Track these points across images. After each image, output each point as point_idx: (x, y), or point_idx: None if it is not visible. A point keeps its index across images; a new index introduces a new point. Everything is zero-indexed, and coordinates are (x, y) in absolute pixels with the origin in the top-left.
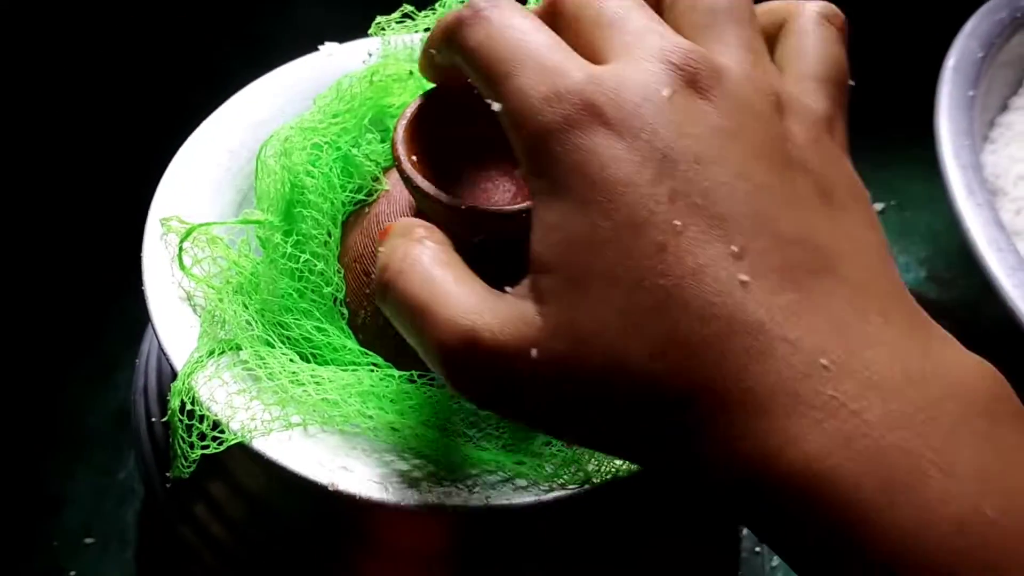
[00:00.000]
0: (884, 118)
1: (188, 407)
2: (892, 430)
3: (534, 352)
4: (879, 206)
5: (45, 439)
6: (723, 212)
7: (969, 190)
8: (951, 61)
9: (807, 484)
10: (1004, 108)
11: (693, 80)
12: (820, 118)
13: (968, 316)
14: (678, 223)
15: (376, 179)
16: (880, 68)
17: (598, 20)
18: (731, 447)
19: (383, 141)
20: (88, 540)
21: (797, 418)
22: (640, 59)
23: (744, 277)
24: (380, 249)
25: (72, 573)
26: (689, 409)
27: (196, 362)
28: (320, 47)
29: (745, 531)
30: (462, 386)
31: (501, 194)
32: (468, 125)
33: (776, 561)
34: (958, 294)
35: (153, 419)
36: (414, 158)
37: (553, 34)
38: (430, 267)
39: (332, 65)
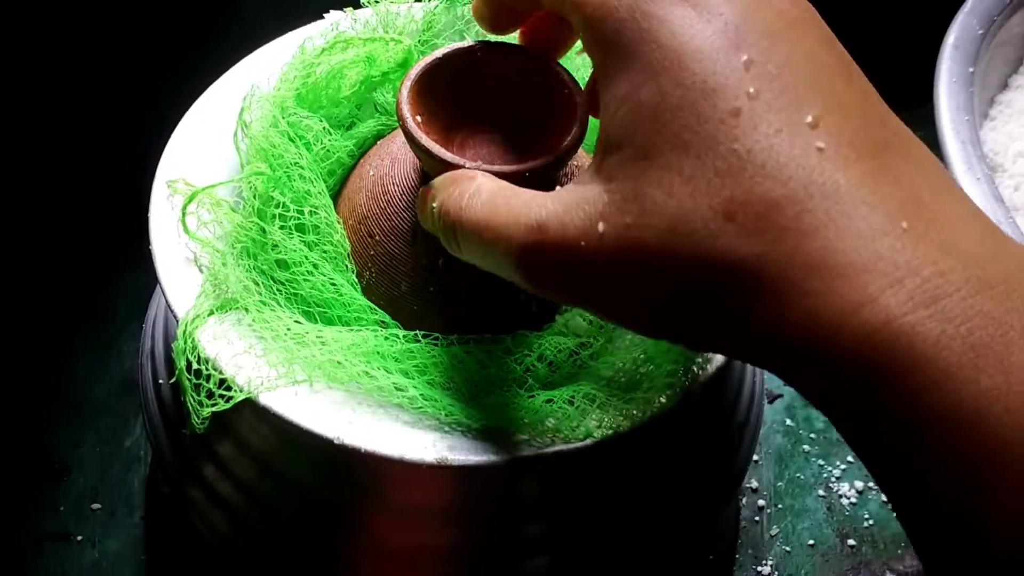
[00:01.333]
0: (883, 95)
1: (195, 366)
2: (975, 294)
3: (601, 227)
4: None
5: (53, 408)
6: (796, 83)
7: (968, 165)
8: (951, 38)
9: (887, 342)
10: (1004, 87)
11: None
12: None
13: None
14: (751, 89)
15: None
16: (879, 45)
17: None
18: (804, 309)
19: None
20: (95, 506)
21: (877, 276)
22: None
23: (820, 144)
24: (432, 205)
25: (79, 538)
26: (759, 272)
27: (193, 320)
28: (325, 15)
29: (744, 500)
30: (538, 281)
31: (507, 155)
32: (474, 86)
33: (776, 530)
34: None
35: (160, 381)
36: (419, 118)
37: None
38: (488, 193)
39: (337, 32)
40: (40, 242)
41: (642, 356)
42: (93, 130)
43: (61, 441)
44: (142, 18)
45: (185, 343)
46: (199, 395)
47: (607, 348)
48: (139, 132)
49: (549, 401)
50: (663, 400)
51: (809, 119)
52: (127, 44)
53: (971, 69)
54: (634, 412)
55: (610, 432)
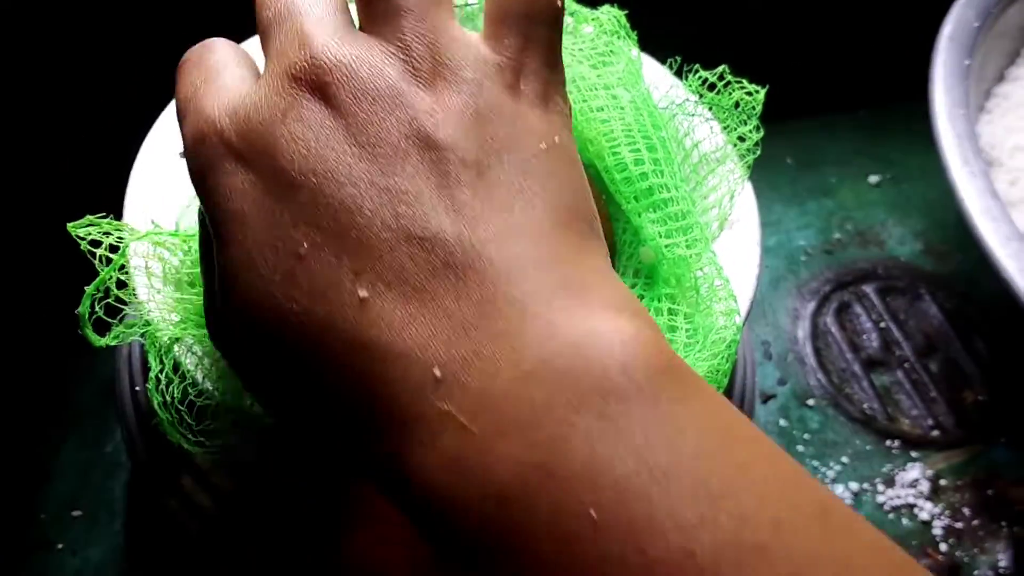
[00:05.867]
0: (880, 89)
1: (171, 378)
2: (499, 439)
3: None
4: (875, 178)
5: (33, 414)
6: (341, 230)
7: (964, 160)
8: (947, 30)
9: (423, 504)
10: (1000, 79)
11: (317, 87)
12: (493, 71)
13: (965, 288)
14: (302, 249)
15: None
16: (876, 38)
17: (264, 26)
18: (369, 465)
19: None
20: (76, 513)
21: (411, 438)
22: (270, 78)
23: (363, 294)
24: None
25: (60, 546)
26: (341, 427)
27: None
28: None
29: None
30: None
31: None
32: None
33: None
34: (954, 267)
35: (137, 388)
36: None
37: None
38: None
39: None
40: (21, 244)
41: None
42: (72, 142)
43: (42, 448)
44: (118, 26)
45: (155, 362)
46: (180, 428)
47: None
48: (115, 137)
49: None
50: None
51: (354, 266)
52: (105, 56)
53: (967, 62)
54: None
55: None
